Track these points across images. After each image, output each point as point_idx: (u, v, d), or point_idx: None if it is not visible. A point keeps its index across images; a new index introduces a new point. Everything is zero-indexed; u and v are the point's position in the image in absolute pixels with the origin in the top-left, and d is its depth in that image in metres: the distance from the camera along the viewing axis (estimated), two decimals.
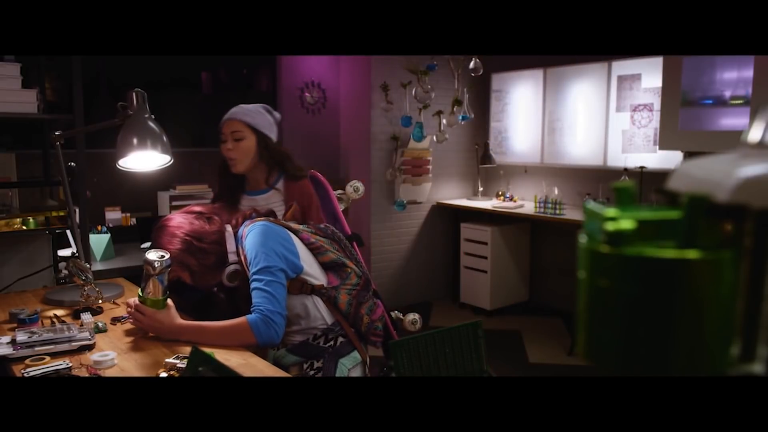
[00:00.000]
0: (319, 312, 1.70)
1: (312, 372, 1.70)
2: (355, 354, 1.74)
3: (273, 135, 2.15)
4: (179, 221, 1.73)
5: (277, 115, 2.18)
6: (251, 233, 1.67)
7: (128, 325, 1.76)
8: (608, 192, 4.51)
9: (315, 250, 1.74)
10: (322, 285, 1.71)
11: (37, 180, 2.87)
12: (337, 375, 1.70)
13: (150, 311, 1.61)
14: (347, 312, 1.72)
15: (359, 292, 1.75)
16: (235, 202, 2.16)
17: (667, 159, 4.02)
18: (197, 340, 1.57)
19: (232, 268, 1.71)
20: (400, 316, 1.96)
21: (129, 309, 1.69)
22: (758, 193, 0.34)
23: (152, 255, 1.61)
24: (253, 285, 1.60)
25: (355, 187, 2.00)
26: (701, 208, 0.35)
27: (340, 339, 1.71)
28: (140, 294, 1.63)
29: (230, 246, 1.72)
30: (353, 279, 1.76)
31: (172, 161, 1.89)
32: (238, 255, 1.71)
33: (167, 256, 1.62)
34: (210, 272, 1.72)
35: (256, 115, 2.12)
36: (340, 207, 2.08)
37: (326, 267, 1.76)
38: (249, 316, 1.57)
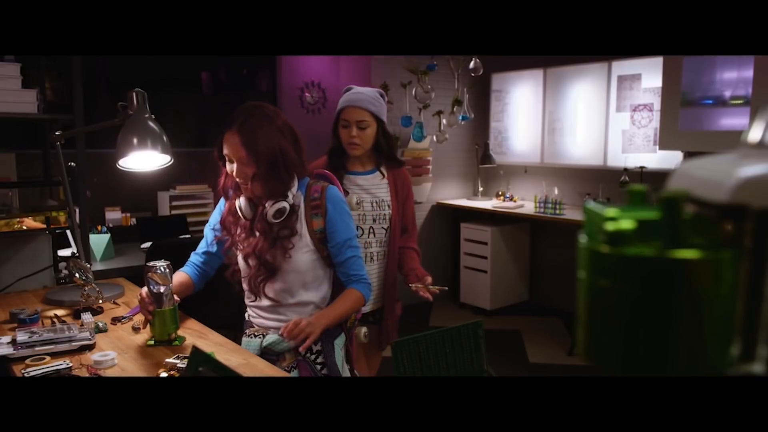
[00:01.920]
0: (327, 287, 1.76)
1: (312, 356, 1.71)
2: (343, 335, 1.82)
3: (386, 119, 2.24)
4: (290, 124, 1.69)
5: (385, 95, 2.26)
6: (335, 196, 1.72)
7: (128, 326, 1.76)
8: (608, 192, 4.51)
9: None
10: None
11: (37, 180, 2.86)
12: (336, 357, 1.75)
13: (306, 320, 1.60)
14: None
15: None
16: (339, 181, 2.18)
17: (667, 159, 4.02)
18: (333, 321, 1.68)
19: (284, 205, 1.64)
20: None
21: (292, 331, 1.58)
22: (758, 193, 0.34)
23: (158, 266, 1.61)
24: (350, 252, 1.72)
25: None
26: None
27: None
28: (156, 309, 1.61)
29: (295, 188, 1.69)
30: None
31: (172, 161, 1.89)
32: (295, 201, 1.67)
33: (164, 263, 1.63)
34: (266, 186, 1.62)
35: (378, 103, 2.17)
36: None
37: None
38: (357, 286, 1.73)
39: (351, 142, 2.16)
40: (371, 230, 2.21)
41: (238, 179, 1.63)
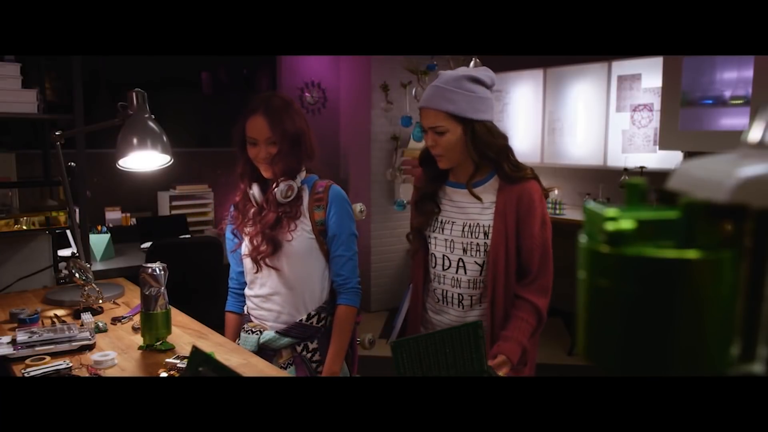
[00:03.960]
0: (327, 282, 1.77)
1: (308, 354, 1.73)
2: None
3: (485, 114, 1.61)
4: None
5: (490, 77, 1.63)
6: (336, 193, 1.76)
7: (128, 326, 1.76)
8: (608, 192, 4.51)
9: None
10: None
11: (37, 180, 2.87)
12: None
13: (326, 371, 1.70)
14: None
15: None
16: (434, 194, 1.74)
17: (667, 159, 4.02)
18: (343, 354, 1.73)
19: (292, 183, 1.71)
20: (357, 339, 2.02)
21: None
22: (758, 193, 0.34)
23: (152, 268, 1.59)
24: (341, 250, 1.74)
25: (361, 209, 2.06)
26: (699, 213, 0.35)
27: (330, 318, 1.77)
28: (147, 312, 1.57)
29: (303, 173, 1.76)
30: None
31: (172, 161, 1.89)
32: (299, 190, 1.73)
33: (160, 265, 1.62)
34: (286, 164, 1.70)
35: (458, 97, 1.56)
36: None
37: None
38: (343, 300, 1.73)
39: (432, 152, 1.65)
40: (461, 264, 1.68)
41: (261, 160, 1.70)
